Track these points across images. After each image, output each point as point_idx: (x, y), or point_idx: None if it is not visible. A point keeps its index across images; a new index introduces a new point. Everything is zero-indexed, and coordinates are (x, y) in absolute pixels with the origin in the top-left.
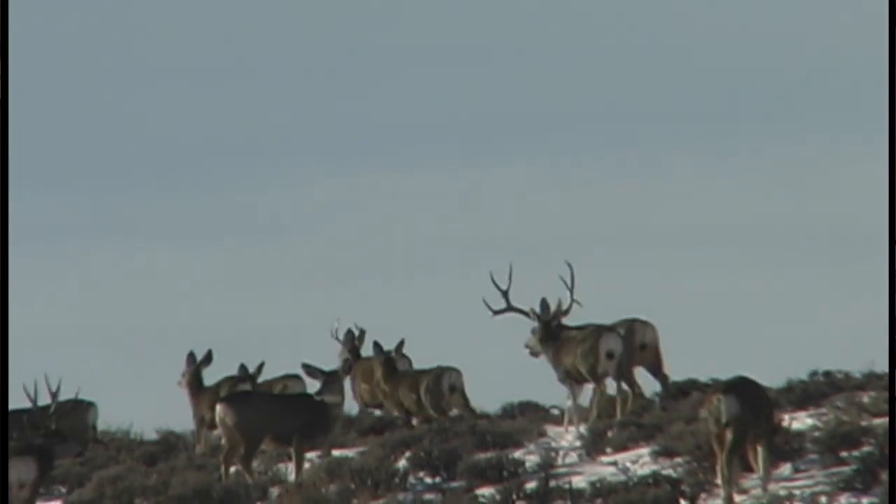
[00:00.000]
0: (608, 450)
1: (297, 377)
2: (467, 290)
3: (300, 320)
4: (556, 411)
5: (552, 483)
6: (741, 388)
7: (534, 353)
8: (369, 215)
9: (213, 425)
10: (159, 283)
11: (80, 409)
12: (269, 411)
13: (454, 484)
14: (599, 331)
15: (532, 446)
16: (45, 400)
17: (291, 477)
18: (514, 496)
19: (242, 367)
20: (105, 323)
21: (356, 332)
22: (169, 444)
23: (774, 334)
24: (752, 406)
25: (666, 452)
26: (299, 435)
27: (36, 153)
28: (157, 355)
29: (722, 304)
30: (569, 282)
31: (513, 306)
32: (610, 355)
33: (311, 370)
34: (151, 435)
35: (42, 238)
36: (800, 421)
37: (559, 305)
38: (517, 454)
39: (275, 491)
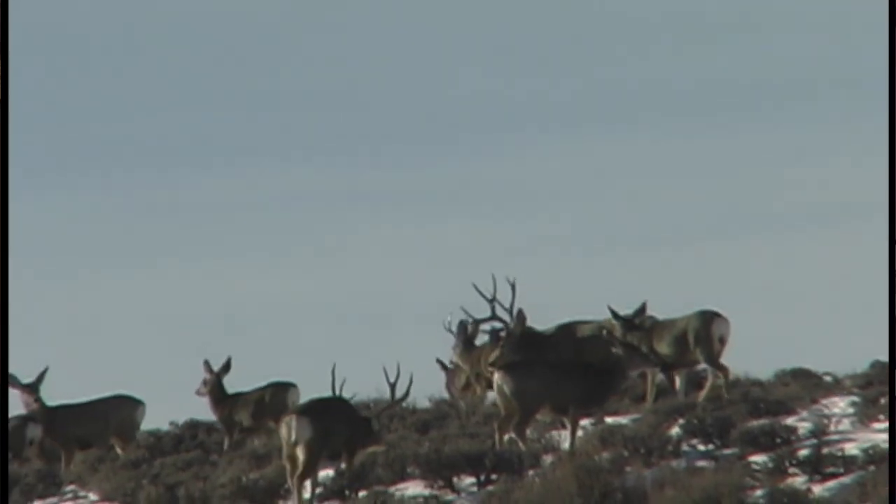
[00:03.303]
0: (881, 416)
1: None
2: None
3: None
4: (828, 378)
5: (825, 450)
6: None
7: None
8: (611, 184)
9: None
10: (405, 254)
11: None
12: (548, 380)
13: (727, 451)
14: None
15: (805, 413)
16: None
17: (564, 444)
18: (787, 463)
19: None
20: (355, 294)
21: (469, 324)
22: (441, 412)
23: None
24: None
25: None
26: (576, 404)
27: (286, 126)
28: (410, 326)
29: None
30: (508, 300)
31: (497, 315)
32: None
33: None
34: (424, 403)
35: (293, 209)
36: None
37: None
38: (790, 421)
39: (548, 458)
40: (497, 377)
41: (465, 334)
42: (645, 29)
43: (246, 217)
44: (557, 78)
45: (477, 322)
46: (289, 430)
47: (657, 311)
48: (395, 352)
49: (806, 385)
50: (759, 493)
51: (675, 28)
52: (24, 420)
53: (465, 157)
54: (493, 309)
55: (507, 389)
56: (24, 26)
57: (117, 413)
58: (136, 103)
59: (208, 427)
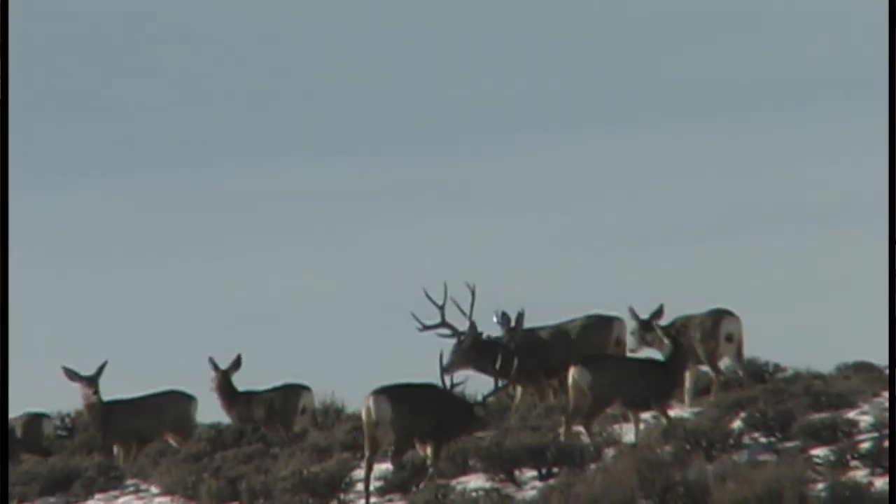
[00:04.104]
0: None
1: None
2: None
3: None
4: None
5: (886, 443)
6: None
7: (448, 369)
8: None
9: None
10: (405, 253)
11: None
12: (622, 374)
13: (789, 444)
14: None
15: (867, 406)
16: None
17: (626, 438)
18: (849, 456)
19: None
20: (358, 294)
21: (512, 315)
22: (502, 405)
23: None
24: None
25: None
26: (651, 397)
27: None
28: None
29: None
30: (467, 306)
31: (447, 322)
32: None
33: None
34: None
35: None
36: None
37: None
38: (851, 414)
39: (609, 452)
40: (573, 371)
41: (509, 325)
42: (645, 29)
43: (248, 216)
44: (557, 78)
45: (426, 328)
46: (368, 411)
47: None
48: (403, 349)
49: (867, 378)
50: (820, 486)
51: (675, 28)
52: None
53: (465, 157)
54: (442, 315)
55: (583, 383)
56: (23, 26)
57: (172, 409)
58: (137, 103)
59: (313, 412)
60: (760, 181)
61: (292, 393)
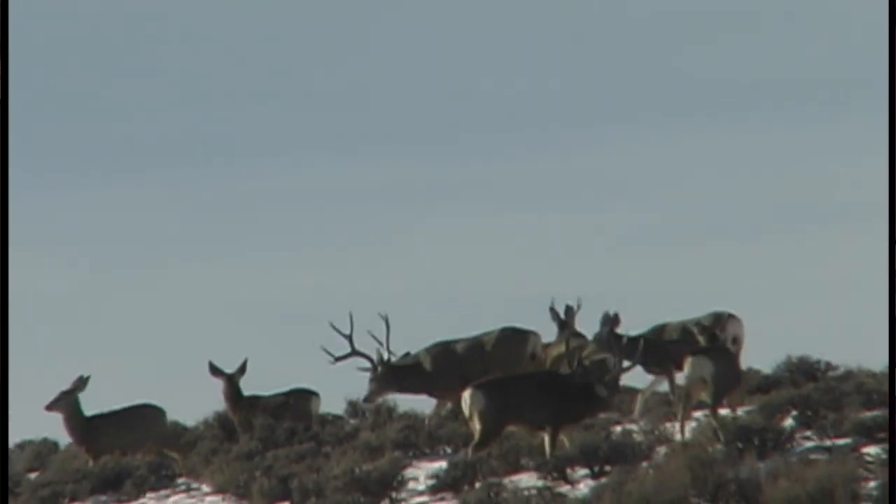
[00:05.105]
0: None
1: None
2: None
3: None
4: None
5: None
6: None
7: (369, 399)
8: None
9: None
10: (410, 252)
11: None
12: (731, 362)
13: (840, 442)
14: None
15: None
16: None
17: (678, 436)
18: None
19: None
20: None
21: (562, 308)
22: None
23: None
24: None
25: None
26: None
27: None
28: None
29: None
30: (383, 336)
31: (357, 350)
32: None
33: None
34: None
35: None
36: None
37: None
38: None
39: (661, 450)
40: (691, 362)
41: (559, 318)
42: (645, 29)
43: (248, 216)
44: (557, 77)
45: (337, 360)
46: (464, 403)
47: (660, 312)
48: (403, 349)
49: None
50: (872, 484)
51: (675, 28)
52: None
53: (465, 157)
54: (351, 345)
55: (706, 374)
56: (23, 26)
57: (154, 424)
58: (137, 103)
59: (321, 418)
60: (760, 181)
61: (304, 398)
